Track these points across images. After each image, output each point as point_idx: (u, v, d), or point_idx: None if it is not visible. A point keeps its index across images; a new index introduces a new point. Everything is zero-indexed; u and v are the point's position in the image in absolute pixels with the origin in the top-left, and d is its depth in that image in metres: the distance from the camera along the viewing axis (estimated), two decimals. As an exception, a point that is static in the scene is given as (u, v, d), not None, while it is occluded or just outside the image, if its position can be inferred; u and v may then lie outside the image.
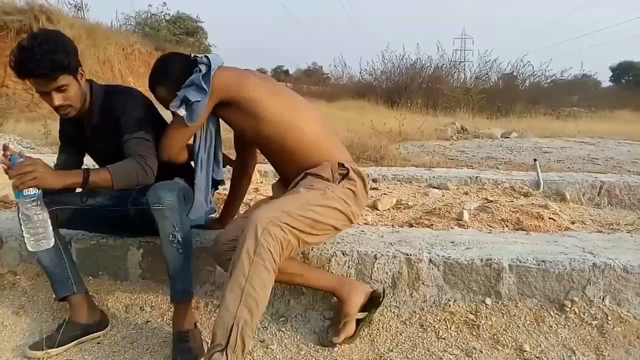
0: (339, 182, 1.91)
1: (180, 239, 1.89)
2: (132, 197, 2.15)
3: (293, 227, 1.69)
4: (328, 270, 2.15)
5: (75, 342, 1.97)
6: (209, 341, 1.65)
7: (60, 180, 1.77)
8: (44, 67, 1.84)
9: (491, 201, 3.35)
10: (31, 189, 1.70)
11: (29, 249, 1.79)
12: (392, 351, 1.91)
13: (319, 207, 1.79)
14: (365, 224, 2.90)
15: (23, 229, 1.77)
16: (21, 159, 1.70)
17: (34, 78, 1.87)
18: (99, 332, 2.03)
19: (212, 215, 2.31)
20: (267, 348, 1.95)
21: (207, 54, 1.98)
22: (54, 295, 2.08)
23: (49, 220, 1.80)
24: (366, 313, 1.99)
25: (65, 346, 1.94)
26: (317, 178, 1.90)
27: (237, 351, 1.57)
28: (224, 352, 1.56)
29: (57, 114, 2.04)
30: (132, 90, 2.16)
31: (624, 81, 46.07)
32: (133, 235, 2.33)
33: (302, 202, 1.76)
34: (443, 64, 18.22)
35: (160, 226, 1.88)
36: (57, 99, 1.93)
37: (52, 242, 1.82)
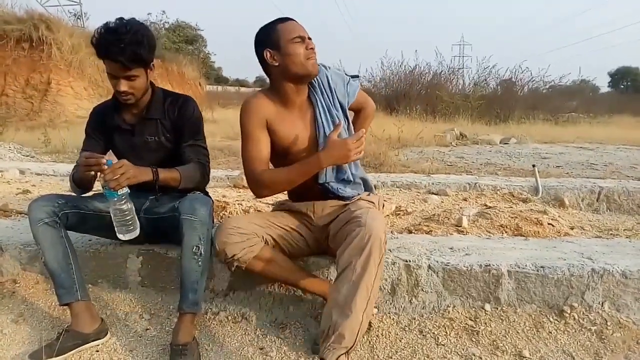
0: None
1: (202, 253, 1.94)
2: (145, 205, 2.17)
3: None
4: (327, 278, 2.16)
5: (74, 350, 1.97)
6: (324, 335, 1.70)
7: (142, 176, 1.92)
8: (126, 56, 1.97)
9: (490, 207, 3.36)
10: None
11: (122, 238, 1.94)
12: (391, 358, 1.91)
13: None
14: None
15: (115, 221, 1.90)
16: (114, 162, 1.85)
17: (111, 62, 1.99)
18: (98, 341, 2.02)
19: None
20: (267, 355, 1.95)
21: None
22: (56, 301, 2.06)
23: (134, 210, 1.93)
24: None
25: (64, 355, 1.94)
26: (370, 204, 2.06)
27: (352, 353, 1.72)
28: (347, 354, 1.68)
29: (119, 98, 2.10)
30: (194, 100, 2.26)
31: (622, 86, 46.29)
32: (136, 242, 2.33)
33: (384, 221, 1.93)
34: (442, 71, 18.18)
35: (186, 237, 1.92)
36: (124, 86, 2.05)
37: (139, 229, 1.96)
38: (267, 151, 2.01)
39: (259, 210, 3.22)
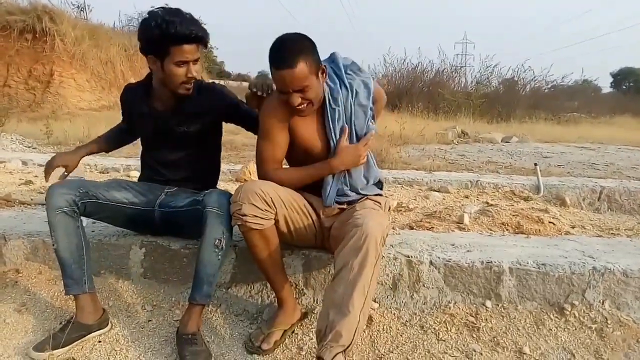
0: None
1: (224, 246, 1.94)
2: (160, 199, 2.16)
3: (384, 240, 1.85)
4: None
5: (78, 341, 1.98)
6: (321, 334, 1.69)
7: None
8: (202, 31, 2.01)
9: (491, 205, 3.36)
10: None
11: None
12: (392, 352, 1.92)
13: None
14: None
15: None
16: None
17: (187, 44, 1.98)
18: (100, 331, 2.04)
19: None
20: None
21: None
22: (59, 290, 2.06)
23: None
24: (291, 323, 2.06)
25: (69, 346, 1.95)
26: (376, 204, 2.05)
27: (349, 353, 1.69)
28: (344, 353, 1.66)
29: (177, 89, 2.08)
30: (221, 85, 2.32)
31: (624, 87, 46.15)
32: (148, 233, 2.35)
33: (387, 221, 1.92)
34: (444, 68, 18.16)
35: (209, 229, 1.92)
36: (195, 70, 2.05)
37: None
38: (281, 151, 2.04)
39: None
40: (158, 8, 2.00)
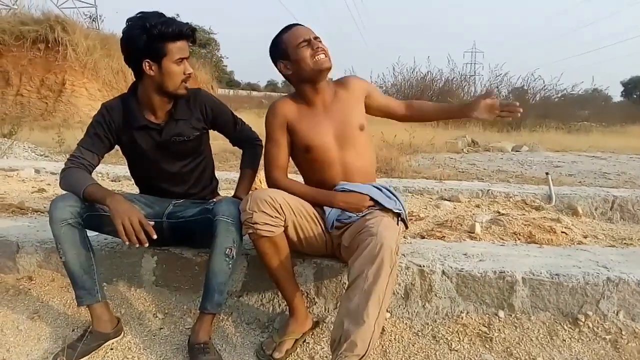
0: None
1: (234, 255, 1.94)
2: (169, 210, 2.17)
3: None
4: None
5: (96, 350, 1.98)
6: (335, 343, 1.69)
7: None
8: (191, 26, 2.05)
9: (503, 214, 3.34)
10: None
11: None
12: (404, 362, 1.91)
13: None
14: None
15: None
16: None
17: (182, 41, 2.02)
18: (115, 339, 2.04)
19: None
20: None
21: None
22: (72, 298, 2.06)
23: None
24: (303, 332, 2.06)
25: (88, 356, 1.95)
26: (386, 212, 2.04)
27: None
28: None
29: (177, 89, 2.08)
30: (203, 90, 2.34)
31: (635, 96, 45.89)
32: (154, 246, 2.33)
33: (398, 230, 1.95)
34: (453, 77, 18.23)
35: (220, 238, 1.92)
36: (190, 67, 2.08)
37: None
38: (285, 155, 2.13)
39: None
40: (137, 14, 2.01)
